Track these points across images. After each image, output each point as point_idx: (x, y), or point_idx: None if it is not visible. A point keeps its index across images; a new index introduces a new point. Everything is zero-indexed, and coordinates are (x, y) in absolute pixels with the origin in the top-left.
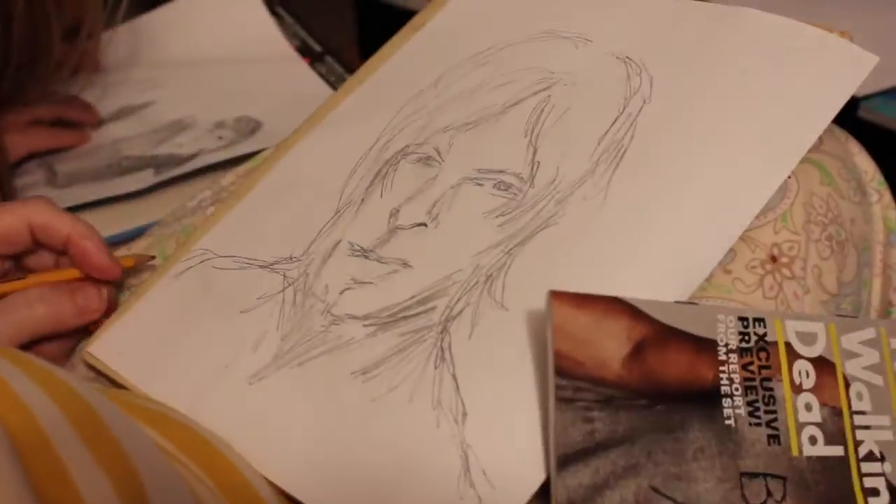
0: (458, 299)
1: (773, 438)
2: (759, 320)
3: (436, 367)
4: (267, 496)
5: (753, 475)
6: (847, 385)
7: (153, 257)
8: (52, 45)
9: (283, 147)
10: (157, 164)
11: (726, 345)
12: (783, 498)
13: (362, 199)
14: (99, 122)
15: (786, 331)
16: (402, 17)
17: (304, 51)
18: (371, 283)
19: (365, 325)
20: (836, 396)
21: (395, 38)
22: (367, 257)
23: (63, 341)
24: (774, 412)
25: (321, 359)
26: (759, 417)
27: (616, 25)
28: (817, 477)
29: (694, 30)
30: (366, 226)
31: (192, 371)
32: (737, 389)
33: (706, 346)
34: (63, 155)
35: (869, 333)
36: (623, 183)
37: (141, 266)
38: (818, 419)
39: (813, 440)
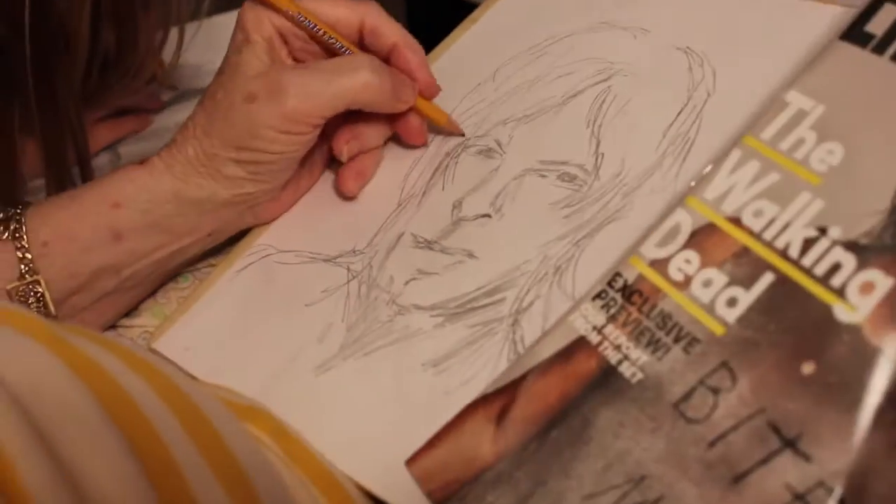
0: (528, 291)
1: (689, 343)
2: (614, 279)
3: (509, 361)
4: (348, 486)
5: (688, 394)
6: (737, 220)
7: (463, 134)
8: (137, 47)
9: None
10: None
11: (594, 328)
12: (733, 380)
13: (424, 192)
14: (162, 106)
15: (645, 258)
16: (451, 7)
17: None
18: (437, 273)
19: (432, 316)
20: (730, 242)
21: (453, 33)
22: (431, 248)
23: (376, 127)
24: (676, 324)
25: (388, 349)
26: (665, 345)
27: (673, 15)
28: (761, 321)
29: (754, 20)
30: (429, 218)
31: (258, 364)
32: (627, 348)
33: (574, 350)
34: (127, 138)
35: (728, 164)
36: (691, 176)
37: (452, 130)
38: (725, 280)
39: (732, 302)
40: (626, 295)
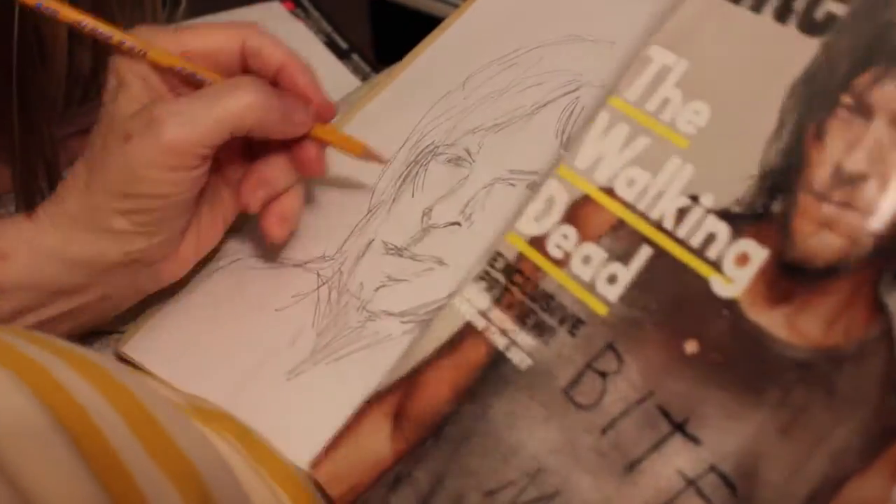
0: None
1: (574, 325)
2: (494, 259)
3: None
4: (313, 488)
5: (576, 379)
6: (610, 191)
7: (389, 161)
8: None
9: None
10: None
11: (479, 312)
12: (620, 362)
13: (393, 199)
14: None
15: (523, 235)
16: (416, 19)
17: (330, 47)
18: (406, 280)
19: (402, 322)
20: (606, 214)
21: (424, 41)
22: (401, 255)
23: (280, 168)
24: (559, 305)
25: (358, 354)
26: (550, 327)
27: (640, 28)
28: (642, 299)
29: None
30: (399, 225)
31: (228, 368)
32: (514, 332)
33: (462, 337)
34: None
35: (597, 128)
36: None
37: (369, 158)
38: (604, 256)
39: (612, 279)
40: (508, 275)
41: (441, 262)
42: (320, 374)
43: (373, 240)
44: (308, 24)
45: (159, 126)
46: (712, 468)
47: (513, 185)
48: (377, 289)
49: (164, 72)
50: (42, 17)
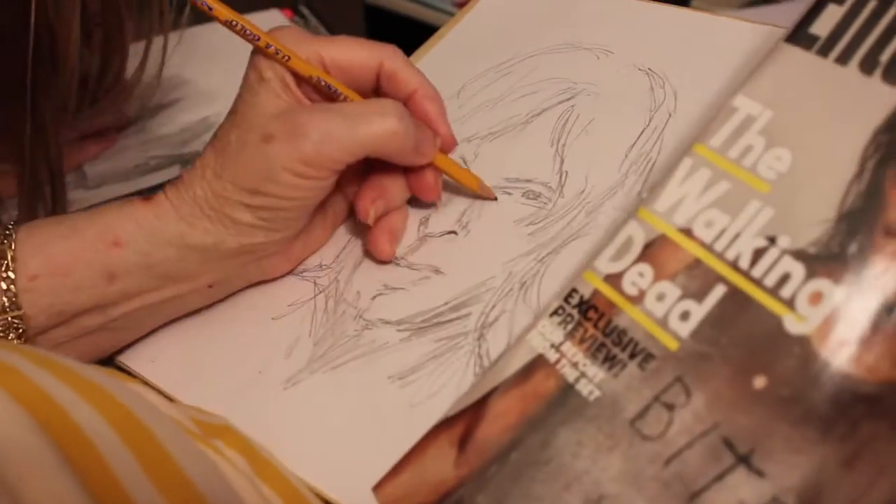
0: (494, 306)
1: (645, 359)
2: (570, 295)
3: (475, 374)
4: (316, 503)
5: (643, 411)
6: (689, 232)
7: (496, 198)
8: (122, 68)
9: None
10: (184, 161)
11: (552, 345)
12: (687, 395)
13: None
14: (127, 124)
15: (599, 272)
16: (411, 27)
17: None
18: (403, 288)
19: (399, 330)
20: (682, 254)
21: (419, 49)
22: (397, 264)
23: (400, 183)
24: (631, 339)
25: (355, 363)
26: (620, 361)
27: (635, 37)
28: (713, 335)
29: (712, 42)
30: None
31: (225, 377)
32: (584, 365)
33: (533, 369)
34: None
35: (679, 174)
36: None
37: (483, 194)
38: (678, 293)
39: (685, 316)
40: (583, 311)
41: (437, 271)
42: (317, 382)
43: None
44: (307, 30)
45: (303, 137)
46: (774, 499)
47: (509, 193)
48: (374, 297)
49: (302, 78)
50: (58, 19)
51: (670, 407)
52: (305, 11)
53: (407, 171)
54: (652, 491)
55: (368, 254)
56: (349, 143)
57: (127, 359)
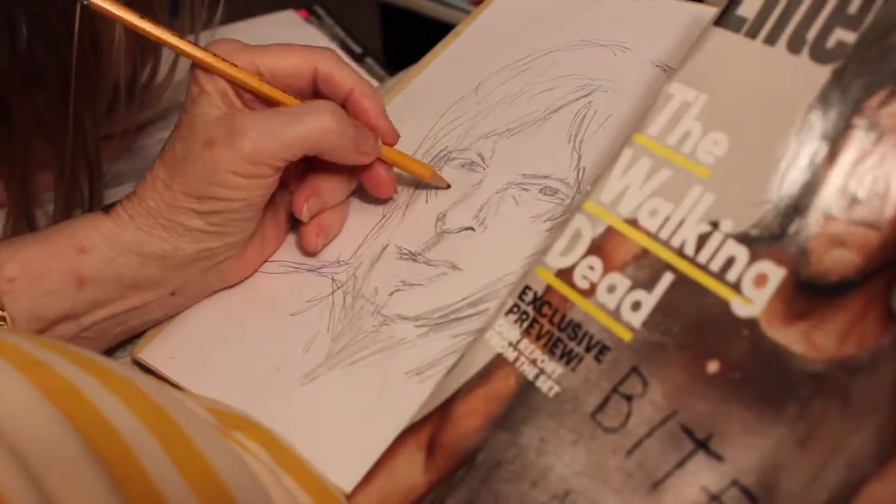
0: (504, 299)
1: (601, 352)
2: (524, 292)
3: None
4: (339, 494)
5: (603, 403)
6: (633, 222)
7: (448, 186)
8: (156, 72)
9: None
10: None
11: (510, 344)
12: (644, 385)
13: (407, 204)
14: (146, 123)
15: (551, 268)
16: (426, 25)
17: (344, 51)
18: (421, 284)
19: (416, 326)
20: (629, 244)
21: (436, 47)
22: (415, 260)
23: (336, 184)
24: (586, 333)
25: (373, 358)
26: (577, 355)
27: (652, 33)
28: (665, 323)
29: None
30: (413, 230)
31: (244, 373)
32: (542, 361)
33: (493, 369)
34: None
35: (621, 164)
36: None
37: (435, 182)
38: (628, 284)
39: (636, 306)
40: (537, 307)
41: (455, 267)
42: (335, 378)
43: (387, 245)
44: (322, 30)
45: (242, 137)
46: (734, 483)
47: (526, 189)
48: (391, 293)
49: (241, 88)
50: (100, 20)
51: (629, 398)
52: (321, 11)
53: (356, 170)
54: (616, 482)
55: (387, 250)
56: (287, 139)
57: (146, 356)
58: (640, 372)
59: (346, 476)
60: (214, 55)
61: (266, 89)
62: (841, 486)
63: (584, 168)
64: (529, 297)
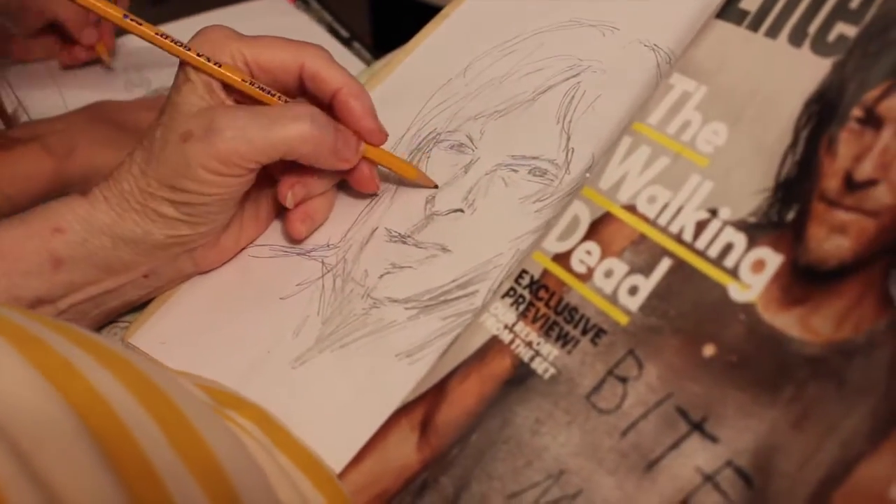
0: (501, 283)
1: (597, 335)
2: (520, 276)
3: None
4: (332, 471)
5: (598, 385)
6: (632, 208)
7: (436, 186)
8: None
9: None
10: None
11: (506, 326)
12: (640, 367)
13: (396, 187)
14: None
15: (548, 252)
16: (414, 8)
17: (332, 35)
18: (410, 267)
19: (406, 308)
20: (627, 230)
21: (424, 29)
22: (405, 243)
23: (322, 174)
24: (583, 316)
25: (363, 341)
26: (573, 338)
27: (641, 13)
28: (662, 307)
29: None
30: (402, 213)
31: (234, 357)
32: (538, 344)
33: (488, 350)
34: (71, 83)
35: (620, 152)
36: None
37: (421, 182)
38: (625, 269)
39: (633, 290)
40: (534, 291)
41: (444, 249)
42: (325, 361)
43: (376, 228)
44: (310, 14)
45: (218, 135)
46: (729, 463)
47: (515, 170)
48: (381, 276)
49: (227, 83)
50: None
51: (624, 380)
52: None
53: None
54: (610, 462)
55: (376, 233)
56: (262, 144)
57: (136, 340)
58: (635, 355)
59: (337, 457)
60: (198, 56)
61: (250, 90)
62: (835, 465)
63: (572, 149)
64: (526, 280)
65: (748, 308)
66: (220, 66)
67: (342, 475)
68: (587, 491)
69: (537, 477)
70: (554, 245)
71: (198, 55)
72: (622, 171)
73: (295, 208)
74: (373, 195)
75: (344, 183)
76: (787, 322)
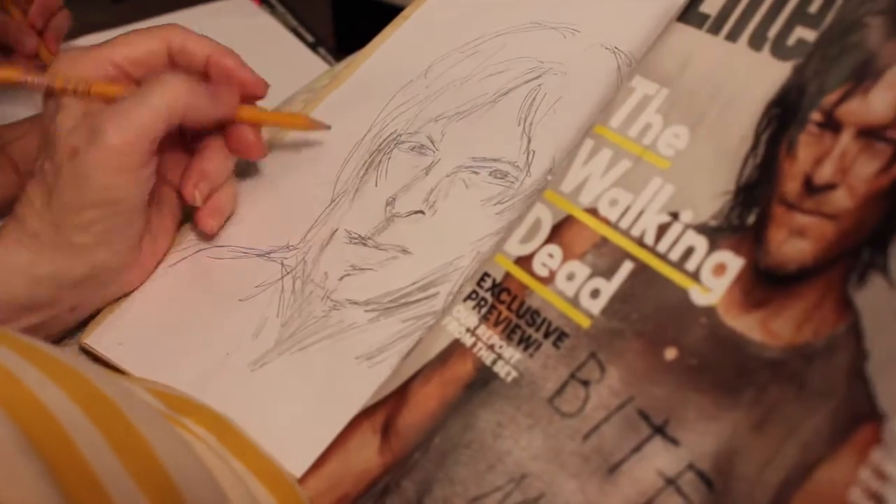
0: (461, 286)
1: (559, 338)
2: (482, 279)
3: None
4: (290, 477)
5: (560, 388)
6: (594, 211)
7: (329, 127)
8: None
9: (277, 138)
10: None
11: (468, 329)
12: (602, 371)
13: (357, 189)
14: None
15: (510, 255)
16: (377, 9)
17: (298, 39)
18: (371, 269)
19: (366, 311)
20: (589, 233)
21: (385, 30)
22: (365, 244)
23: (219, 162)
24: (545, 319)
25: (323, 343)
26: (535, 341)
27: (602, 16)
28: (624, 310)
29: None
30: (362, 214)
31: (192, 359)
32: (500, 347)
33: (450, 354)
34: None
35: (582, 155)
36: None
37: (315, 127)
38: (587, 272)
39: (595, 293)
40: (496, 294)
41: (405, 251)
42: (285, 364)
43: (336, 229)
44: (275, 17)
45: (102, 133)
46: (690, 467)
47: (476, 172)
48: (341, 278)
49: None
50: None
51: (586, 383)
52: (272, 1)
53: (227, 138)
54: (573, 466)
55: (336, 234)
56: (143, 119)
57: (93, 341)
58: (597, 358)
59: (297, 461)
60: (59, 85)
61: (113, 90)
62: (795, 468)
63: (533, 151)
64: (488, 283)
65: (709, 311)
66: (89, 89)
67: (302, 479)
68: (549, 495)
69: (499, 481)
70: (516, 248)
71: (66, 86)
72: (584, 173)
73: (206, 207)
74: (336, 185)
75: (299, 184)
76: (747, 325)
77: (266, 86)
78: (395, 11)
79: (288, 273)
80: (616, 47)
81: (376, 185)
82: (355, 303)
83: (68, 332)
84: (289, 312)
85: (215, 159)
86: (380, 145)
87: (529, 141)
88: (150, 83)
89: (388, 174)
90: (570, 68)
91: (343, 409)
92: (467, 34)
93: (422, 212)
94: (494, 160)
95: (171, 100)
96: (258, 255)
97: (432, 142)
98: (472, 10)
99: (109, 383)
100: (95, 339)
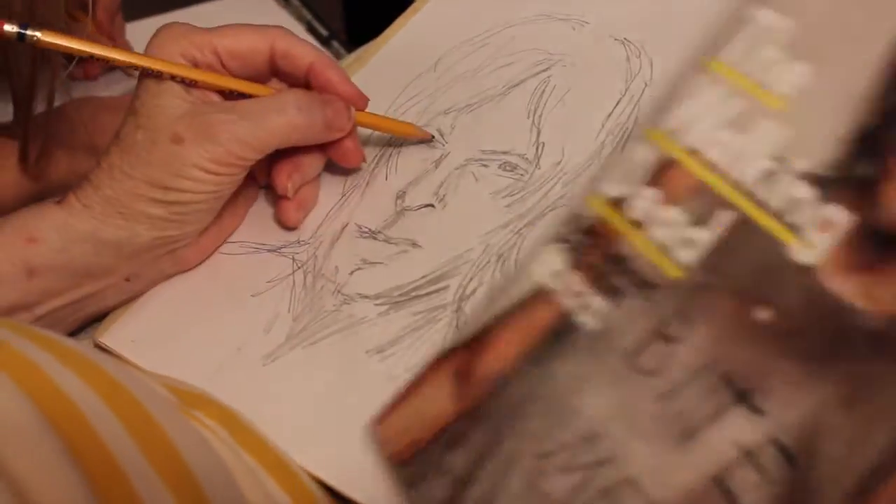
0: (471, 278)
1: (646, 289)
2: (572, 221)
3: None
4: (300, 471)
5: (643, 344)
6: (697, 153)
7: (432, 137)
8: None
9: None
10: None
11: (553, 273)
12: (689, 327)
13: (367, 182)
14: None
15: (602, 196)
16: (389, 4)
17: (311, 34)
18: (381, 263)
19: (377, 304)
20: (690, 177)
21: (395, 23)
22: (375, 238)
23: (314, 157)
24: (634, 268)
25: (334, 337)
26: (621, 291)
27: (611, 7)
28: (718, 264)
29: (688, 10)
30: (372, 208)
31: (205, 355)
32: (585, 294)
33: (535, 298)
34: None
35: (690, 91)
36: None
37: (420, 136)
38: (684, 219)
39: (690, 243)
40: (585, 237)
41: (415, 245)
42: (296, 358)
43: (347, 223)
44: (289, 11)
45: (213, 140)
46: (772, 440)
47: (485, 165)
48: (352, 272)
49: (202, 67)
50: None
51: (670, 339)
52: None
53: (326, 145)
54: (646, 429)
55: (347, 228)
56: (255, 142)
57: (107, 339)
58: (685, 313)
59: (308, 455)
60: (171, 64)
61: (226, 83)
62: (886, 455)
63: (543, 143)
64: (577, 226)
65: (810, 271)
66: (196, 76)
67: (380, 422)
68: (619, 458)
69: (570, 438)
70: (610, 188)
71: (169, 71)
72: (691, 112)
73: (290, 198)
74: (349, 175)
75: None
76: (850, 290)
77: (366, 99)
78: (403, 3)
79: (299, 268)
80: (625, 38)
81: (386, 179)
82: (366, 297)
83: (122, 303)
84: (300, 307)
85: (310, 152)
86: (390, 138)
87: (539, 133)
88: (270, 106)
89: (398, 168)
90: (579, 60)
91: (355, 403)
92: (477, 27)
93: (432, 205)
94: (504, 153)
95: (287, 130)
96: (269, 251)
97: (442, 135)
98: (482, 2)
99: (128, 376)
100: (109, 336)
